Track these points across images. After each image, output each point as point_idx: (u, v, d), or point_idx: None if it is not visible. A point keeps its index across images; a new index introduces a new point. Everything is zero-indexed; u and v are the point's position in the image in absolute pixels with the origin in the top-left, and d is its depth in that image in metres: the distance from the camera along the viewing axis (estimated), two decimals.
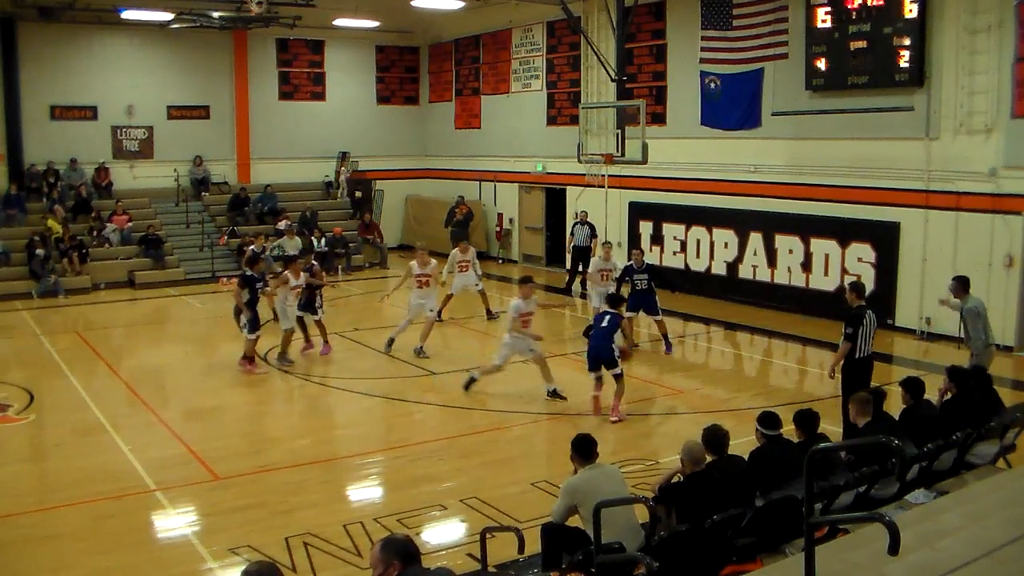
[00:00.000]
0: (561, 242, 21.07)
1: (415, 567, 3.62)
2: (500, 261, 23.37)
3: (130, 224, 21.00)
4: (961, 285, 9.96)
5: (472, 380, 11.49)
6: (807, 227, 16.05)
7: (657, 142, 16.55)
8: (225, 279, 20.44)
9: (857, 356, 9.12)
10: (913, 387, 7.39)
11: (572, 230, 19.15)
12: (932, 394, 8.04)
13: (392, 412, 11.12)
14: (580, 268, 18.44)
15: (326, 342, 13.63)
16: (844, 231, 15.44)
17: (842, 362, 9.29)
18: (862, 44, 14.51)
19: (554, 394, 11.18)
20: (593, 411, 10.57)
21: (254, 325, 12.52)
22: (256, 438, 10.30)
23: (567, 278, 19.28)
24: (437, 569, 3.84)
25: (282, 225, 21.95)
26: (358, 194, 24.54)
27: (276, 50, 24.16)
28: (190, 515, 7.90)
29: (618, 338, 10.70)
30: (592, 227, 18.88)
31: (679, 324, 16.21)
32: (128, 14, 19.77)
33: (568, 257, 19.58)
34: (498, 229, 23.73)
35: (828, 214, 15.66)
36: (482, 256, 23.56)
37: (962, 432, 6.69)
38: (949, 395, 7.84)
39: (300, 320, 13.37)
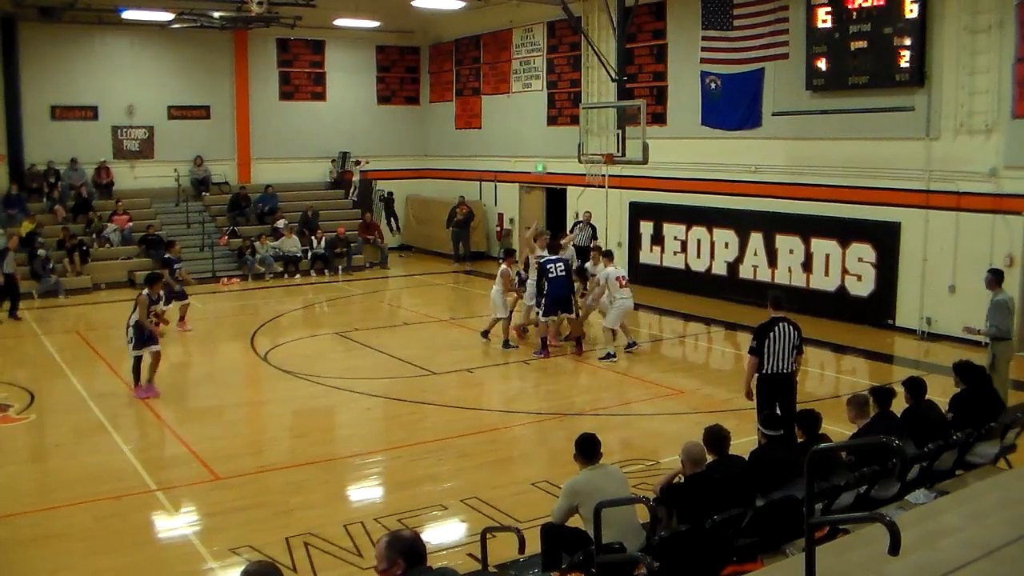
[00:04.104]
0: None
1: (419, 567, 3.60)
2: (501, 261, 23.31)
3: (130, 224, 21.01)
4: (995, 278, 10.04)
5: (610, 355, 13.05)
6: (807, 227, 16.05)
7: (657, 142, 16.55)
8: (226, 279, 20.47)
9: (765, 371, 8.48)
10: (914, 387, 7.37)
11: (572, 229, 19.09)
12: (933, 395, 8.04)
13: (392, 412, 11.11)
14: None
15: (149, 380, 11.46)
16: (844, 231, 15.44)
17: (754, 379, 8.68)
18: (862, 44, 14.51)
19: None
20: None
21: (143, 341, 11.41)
22: (256, 438, 10.31)
23: None
24: (440, 569, 3.83)
25: (280, 224, 21.97)
26: (390, 193, 25.00)
27: (276, 50, 24.16)
28: (190, 515, 7.90)
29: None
30: (594, 228, 18.83)
31: (679, 324, 16.24)
32: (128, 14, 19.76)
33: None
34: (498, 229, 23.73)
35: (828, 214, 15.66)
36: (483, 256, 23.69)
37: (962, 432, 6.70)
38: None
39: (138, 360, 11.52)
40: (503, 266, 14.17)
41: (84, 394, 11.52)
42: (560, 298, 13.24)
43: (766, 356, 8.48)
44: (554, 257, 13.38)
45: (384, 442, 10.06)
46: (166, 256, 16.11)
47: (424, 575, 3.60)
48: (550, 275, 13.17)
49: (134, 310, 11.48)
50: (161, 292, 12.08)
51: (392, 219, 25.21)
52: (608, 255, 14.03)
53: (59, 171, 21.31)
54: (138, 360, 11.43)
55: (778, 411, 8.00)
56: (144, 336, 11.36)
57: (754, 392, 8.74)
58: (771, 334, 8.48)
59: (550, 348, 13.46)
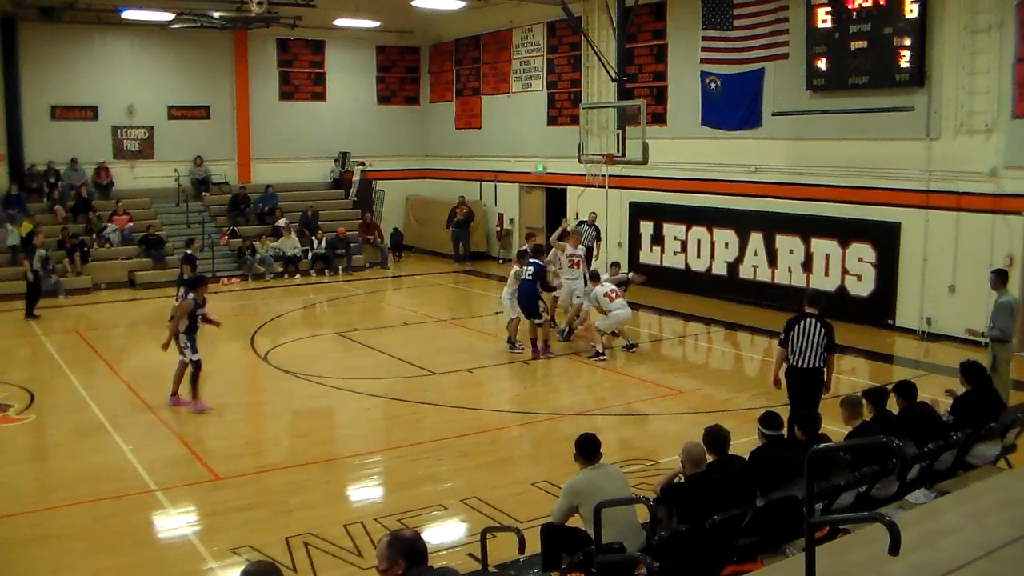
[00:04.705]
0: None
1: (420, 567, 3.61)
2: (500, 261, 23.34)
3: (130, 224, 21.01)
4: (999, 278, 10.06)
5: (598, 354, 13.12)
6: (808, 227, 16.05)
7: (658, 142, 16.54)
8: (226, 279, 20.47)
9: (791, 364, 8.73)
10: (905, 391, 7.37)
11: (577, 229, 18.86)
12: (936, 393, 8.05)
13: (392, 412, 11.12)
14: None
15: (173, 393, 10.98)
16: (845, 231, 15.44)
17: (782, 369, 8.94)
18: (862, 44, 14.51)
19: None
20: None
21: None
22: (256, 438, 10.30)
23: None
24: (441, 568, 3.84)
25: (282, 223, 21.97)
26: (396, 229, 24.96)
27: (276, 50, 24.16)
28: (190, 515, 7.90)
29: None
30: (598, 229, 18.72)
31: (679, 324, 16.24)
32: (129, 14, 19.76)
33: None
34: (498, 229, 23.74)
35: (828, 214, 15.66)
36: (483, 256, 23.69)
37: (962, 432, 6.69)
38: (960, 391, 7.72)
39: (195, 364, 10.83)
40: (515, 267, 13.79)
41: (84, 394, 11.52)
42: (523, 305, 13.22)
43: (791, 349, 8.69)
44: (531, 261, 13.39)
45: (384, 442, 10.06)
46: (188, 252, 16.06)
47: (425, 575, 3.61)
48: (519, 278, 13.23)
49: (183, 316, 10.63)
50: (205, 296, 10.97)
51: (399, 250, 25.15)
52: (595, 277, 13.83)
53: (59, 171, 21.29)
54: (198, 366, 10.69)
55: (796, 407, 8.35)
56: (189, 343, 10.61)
57: (783, 382, 8.95)
58: (796, 327, 8.68)
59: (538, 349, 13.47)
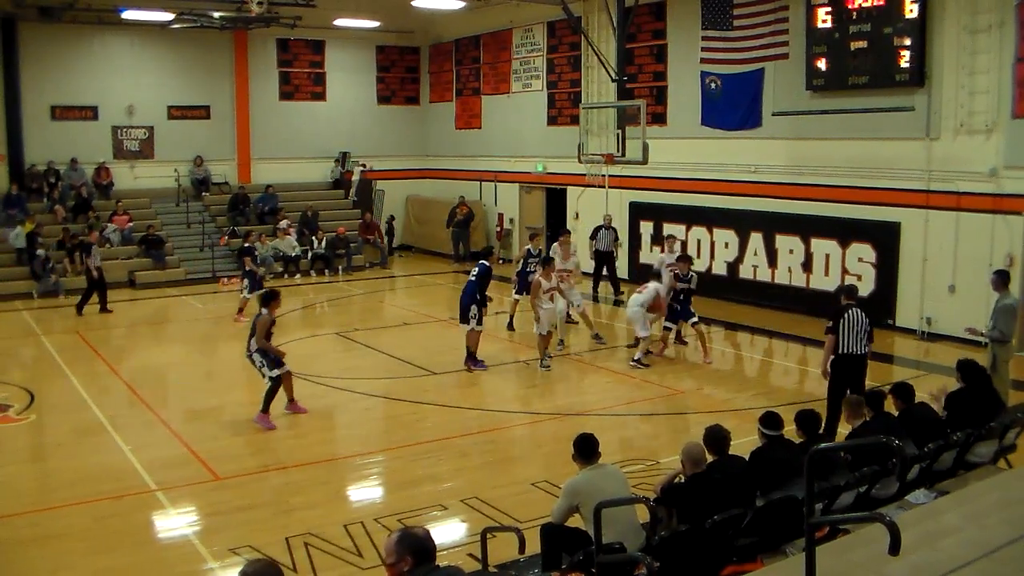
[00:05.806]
0: None
1: (427, 565, 3.62)
2: (500, 261, 23.33)
3: (130, 224, 21.01)
4: (1001, 280, 10.11)
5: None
6: (807, 227, 16.05)
7: (657, 142, 16.55)
8: (225, 279, 20.45)
9: (839, 352, 9.16)
10: (903, 392, 7.38)
11: (595, 234, 18.61)
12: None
13: (392, 412, 11.12)
14: (604, 272, 18.32)
15: (291, 399, 10.80)
16: (844, 231, 15.44)
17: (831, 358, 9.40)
18: (862, 44, 14.51)
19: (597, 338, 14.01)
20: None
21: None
22: (256, 438, 10.28)
23: (591, 283, 18.84)
24: (448, 567, 3.85)
25: (283, 224, 21.99)
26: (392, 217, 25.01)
27: (276, 50, 24.17)
28: (190, 515, 7.90)
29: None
30: (616, 231, 18.55)
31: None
32: (129, 14, 19.77)
33: (592, 262, 18.57)
34: (498, 229, 23.74)
35: (828, 214, 15.66)
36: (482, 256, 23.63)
37: (962, 432, 6.70)
38: (949, 390, 7.73)
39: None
40: (537, 276, 13.01)
41: (84, 394, 11.53)
42: (461, 306, 12.57)
43: (842, 337, 9.10)
44: (479, 262, 12.82)
45: (384, 442, 10.06)
46: (246, 245, 16.40)
47: (432, 573, 3.63)
48: (470, 277, 12.78)
49: (253, 334, 10.37)
50: (276, 315, 10.74)
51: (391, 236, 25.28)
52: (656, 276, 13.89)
53: (59, 171, 21.31)
54: (278, 382, 10.39)
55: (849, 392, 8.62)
56: (274, 358, 10.42)
57: (830, 371, 9.32)
58: (845, 315, 9.11)
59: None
